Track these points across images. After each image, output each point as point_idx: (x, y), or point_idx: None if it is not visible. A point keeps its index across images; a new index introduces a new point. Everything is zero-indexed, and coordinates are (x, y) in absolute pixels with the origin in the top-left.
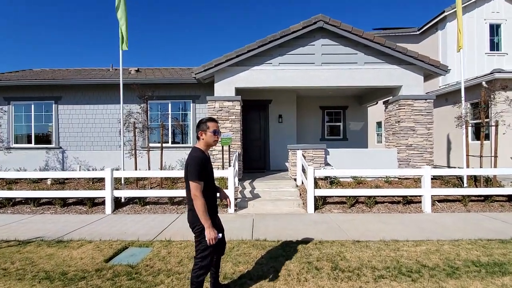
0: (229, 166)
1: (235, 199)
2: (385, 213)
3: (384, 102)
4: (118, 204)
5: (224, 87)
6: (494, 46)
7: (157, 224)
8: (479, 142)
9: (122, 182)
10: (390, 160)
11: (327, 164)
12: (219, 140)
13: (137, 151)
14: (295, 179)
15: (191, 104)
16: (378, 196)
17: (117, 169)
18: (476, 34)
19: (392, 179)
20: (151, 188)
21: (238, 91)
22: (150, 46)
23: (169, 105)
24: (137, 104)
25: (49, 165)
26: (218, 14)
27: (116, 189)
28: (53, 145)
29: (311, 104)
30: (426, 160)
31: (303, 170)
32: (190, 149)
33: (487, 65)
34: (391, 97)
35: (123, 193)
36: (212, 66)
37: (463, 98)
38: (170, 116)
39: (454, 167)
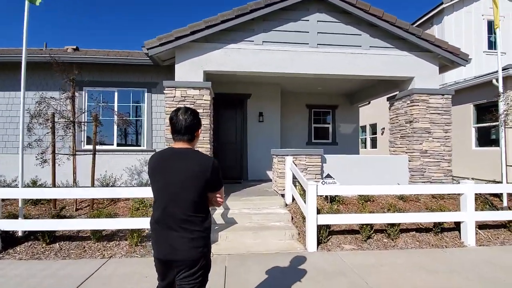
0: None
1: None
2: (415, 248)
3: (388, 99)
4: (11, 240)
5: (189, 70)
6: (492, 44)
7: (57, 285)
8: (483, 148)
9: (20, 205)
10: (399, 169)
11: (327, 176)
12: None
13: (60, 155)
14: (282, 195)
15: (146, 94)
16: (402, 222)
17: (35, 182)
18: (474, 31)
19: (407, 195)
20: (76, 209)
21: (208, 77)
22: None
23: (115, 94)
24: (70, 92)
25: None
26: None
27: (13, 215)
28: None
29: (296, 102)
30: (444, 170)
31: (294, 183)
32: (143, 152)
33: (485, 64)
34: (397, 92)
35: (17, 225)
36: (171, 39)
37: (501, 89)
38: (116, 108)
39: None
